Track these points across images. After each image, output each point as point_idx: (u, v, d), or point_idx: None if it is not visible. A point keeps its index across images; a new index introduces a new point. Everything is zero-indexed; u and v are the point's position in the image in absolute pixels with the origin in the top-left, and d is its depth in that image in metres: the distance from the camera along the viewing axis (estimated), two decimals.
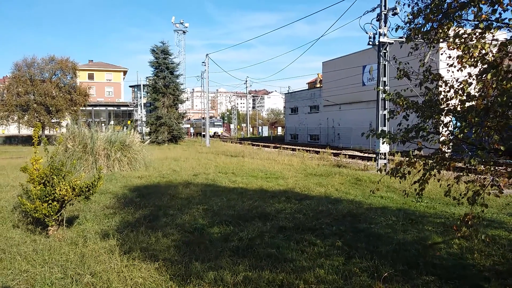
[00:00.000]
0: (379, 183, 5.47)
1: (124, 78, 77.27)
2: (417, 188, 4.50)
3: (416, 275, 5.00)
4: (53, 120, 41.49)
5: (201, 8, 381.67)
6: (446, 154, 4.31)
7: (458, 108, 4.18)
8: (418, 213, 8.51)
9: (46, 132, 41.54)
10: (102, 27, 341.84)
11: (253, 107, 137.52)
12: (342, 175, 14.45)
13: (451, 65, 4.39)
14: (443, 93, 4.45)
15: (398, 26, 4.89)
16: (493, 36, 3.93)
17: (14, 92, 39.74)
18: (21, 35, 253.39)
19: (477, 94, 4.02)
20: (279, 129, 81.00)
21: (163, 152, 26.07)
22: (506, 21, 3.86)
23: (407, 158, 4.36)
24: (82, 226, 7.46)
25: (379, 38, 16.03)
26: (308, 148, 28.64)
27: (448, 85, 4.36)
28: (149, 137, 36.61)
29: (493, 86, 3.69)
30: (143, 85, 54.84)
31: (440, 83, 4.57)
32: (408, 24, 4.68)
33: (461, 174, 4.29)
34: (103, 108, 64.48)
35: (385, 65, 16.27)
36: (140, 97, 57.26)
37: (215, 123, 73.29)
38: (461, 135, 4.06)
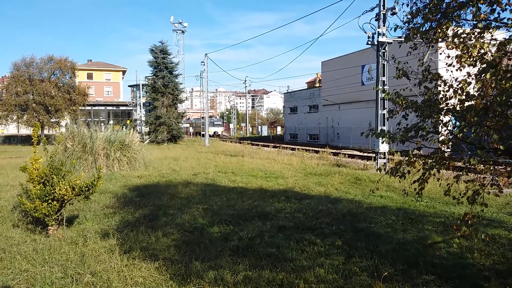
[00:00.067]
0: (378, 182, 5.48)
1: (123, 77, 77.25)
2: (417, 188, 4.51)
3: (416, 275, 5.01)
4: (52, 120, 41.46)
5: (200, 8, 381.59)
6: (446, 154, 4.32)
7: (457, 108, 4.19)
8: (418, 212, 8.53)
9: (45, 131, 41.49)
10: (101, 27, 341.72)
11: (253, 107, 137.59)
12: (342, 174, 14.46)
13: (450, 65, 4.40)
14: (442, 92, 4.45)
15: (397, 25, 4.90)
16: (492, 35, 3.93)
17: (13, 92, 39.69)
18: (20, 35, 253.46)
19: (476, 94, 4.03)
20: (279, 128, 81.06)
21: (162, 152, 26.07)
22: (505, 20, 3.87)
23: (407, 158, 4.37)
24: (82, 226, 7.46)
25: (378, 37, 16.04)
26: (307, 148, 28.65)
27: (447, 84, 4.37)
28: (148, 136, 36.62)
29: (492, 85, 3.70)
30: (142, 84, 54.85)
31: (439, 83, 4.57)
32: (407, 24, 4.69)
33: (461, 173, 4.30)
34: (102, 107, 64.41)
35: (384, 64, 16.28)
36: (139, 97, 57.27)
37: (215, 123, 73.18)
38: (461, 134, 4.08)
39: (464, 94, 4.09)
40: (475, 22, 3.98)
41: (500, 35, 4.29)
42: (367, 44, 16.54)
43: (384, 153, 16.47)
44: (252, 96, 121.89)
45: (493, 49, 3.93)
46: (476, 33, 3.99)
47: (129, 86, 71.97)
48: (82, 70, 63.72)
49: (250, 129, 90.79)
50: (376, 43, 16.22)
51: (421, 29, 4.45)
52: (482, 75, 3.75)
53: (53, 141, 11.55)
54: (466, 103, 4.04)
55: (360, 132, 5.04)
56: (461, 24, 4.26)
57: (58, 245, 6.20)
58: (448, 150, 4.45)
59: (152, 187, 11.86)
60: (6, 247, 6.12)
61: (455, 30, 4.10)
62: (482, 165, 4.02)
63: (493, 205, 8.85)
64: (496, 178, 3.98)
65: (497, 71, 3.59)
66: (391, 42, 15.97)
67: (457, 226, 4.17)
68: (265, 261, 5.47)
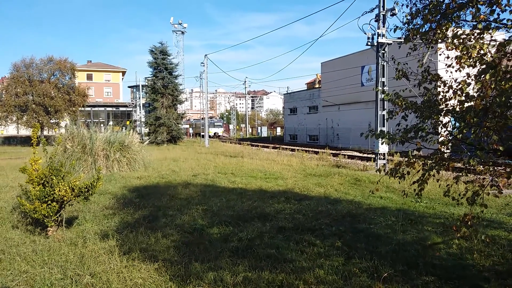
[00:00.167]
0: (378, 183, 5.48)
1: (122, 78, 77.22)
2: (416, 189, 4.51)
3: (416, 276, 5.01)
4: (52, 121, 41.49)
5: (200, 9, 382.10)
6: (445, 154, 4.31)
7: (457, 109, 4.19)
8: (418, 213, 8.53)
9: (45, 132, 41.50)
10: (101, 28, 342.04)
11: (252, 108, 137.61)
12: (342, 175, 14.46)
13: (449, 66, 4.39)
14: (441, 93, 4.45)
15: (397, 26, 4.89)
16: (492, 36, 3.94)
17: (12, 93, 39.70)
18: (20, 35, 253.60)
19: (475, 95, 4.02)
20: (278, 129, 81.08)
21: (162, 153, 26.06)
22: (504, 21, 3.87)
23: (406, 158, 4.36)
24: (82, 227, 7.46)
25: (377, 38, 16.05)
26: (307, 149, 28.65)
27: (447, 85, 4.37)
28: (148, 137, 36.57)
29: (492, 86, 3.70)
30: (142, 85, 54.83)
31: (438, 84, 4.57)
32: (406, 25, 4.69)
33: (460, 174, 4.30)
34: (102, 108, 64.41)
35: (383, 65, 16.29)
36: (139, 98, 57.26)
37: (215, 124, 73.11)
38: (460, 135, 4.07)
39: (464, 95, 4.09)
40: (474, 23, 3.99)
41: (500, 36, 4.29)
42: (367, 45, 16.56)
43: (384, 154, 16.48)
44: (252, 97, 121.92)
45: (493, 50, 3.93)
46: (475, 34, 3.99)
47: (128, 87, 72.00)
48: (82, 71, 63.71)
49: (250, 130, 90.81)
50: (375, 44, 16.24)
51: (420, 30, 4.44)
52: (482, 76, 3.75)
53: (53, 142, 11.54)
54: (466, 104, 4.04)
55: (360, 133, 5.03)
56: (460, 25, 4.26)
57: (58, 246, 6.20)
58: (448, 151, 4.45)
59: (151, 188, 11.86)
60: (6, 248, 6.11)
61: (455, 31, 4.10)
62: (481, 166, 4.02)
63: (492, 206, 8.84)
64: (496, 179, 3.98)
65: (496, 72, 3.59)
66: (391, 43, 15.98)
67: (457, 227, 4.17)
68: (265, 262, 5.47)
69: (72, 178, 7.12)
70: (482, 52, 3.89)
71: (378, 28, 15.92)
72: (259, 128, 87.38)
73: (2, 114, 39.31)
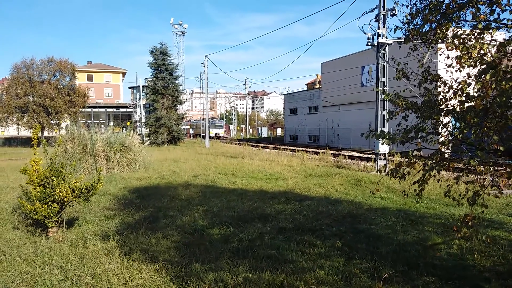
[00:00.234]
0: (378, 183, 5.49)
1: (123, 79, 77.22)
2: (417, 189, 4.50)
3: (417, 276, 5.00)
4: (52, 122, 41.53)
5: (200, 9, 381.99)
6: (446, 155, 4.31)
7: (457, 109, 4.19)
8: (418, 213, 8.52)
9: (46, 133, 41.53)
10: (101, 28, 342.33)
11: (253, 108, 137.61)
12: (342, 176, 14.45)
13: (449, 66, 4.39)
14: (442, 93, 4.45)
15: (397, 27, 4.89)
16: (492, 36, 3.93)
17: (13, 94, 39.76)
18: (20, 36, 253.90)
19: (476, 95, 4.02)
20: (279, 130, 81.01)
21: (162, 153, 26.07)
22: (505, 21, 3.87)
23: (407, 159, 4.36)
24: (82, 228, 7.46)
25: (377, 39, 16.05)
26: (307, 149, 28.64)
27: (447, 85, 4.37)
28: (148, 138, 36.60)
29: (492, 86, 3.69)
30: (142, 86, 54.84)
31: (439, 84, 4.57)
32: (406, 25, 4.69)
33: (461, 174, 4.29)
34: (102, 109, 64.43)
35: (384, 65, 16.28)
36: (139, 99, 57.24)
37: (216, 124, 72.81)
38: (461, 135, 4.07)
39: (464, 95, 4.09)
40: (474, 23, 3.98)
41: (500, 36, 4.29)
42: (367, 45, 16.55)
43: (384, 154, 16.46)
44: (252, 97, 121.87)
45: (493, 50, 3.93)
46: (476, 34, 3.99)
47: (129, 87, 71.98)
48: (82, 71, 63.76)
49: (250, 130, 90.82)
50: (376, 44, 16.23)
51: (420, 30, 4.44)
52: (482, 76, 3.75)
53: (53, 143, 11.56)
54: (466, 104, 4.04)
55: (360, 133, 5.03)
56: (460, 25, 4.26)
57: (58, 247, 6.20)
58: (448, 151, 4.45)
59: (152, 189, 11.86)
60: (6, 249, 6.11)
61: (455, 31, 4.10)
62: (482, 166, 4.01)
63: (493, 206, 8.84)
64: (496, 179, 3.97)
65: (497, 72, 3.59)
66: (391, 43, 15.98)
67: (457, 227, 4.16)
68: (265, 263, 5.47)
69: (73, 179, 7.13)
70: (482, 52, 3.89)
71: (378, 28, 15.92)
72: (259, 128, 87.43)
73: (3, 115, 39.34)
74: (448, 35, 4.25)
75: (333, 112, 41.67)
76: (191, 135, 71.09)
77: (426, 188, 4.62)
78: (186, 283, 4.80)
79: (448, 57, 4.44)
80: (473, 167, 3.95)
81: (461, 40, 4.03)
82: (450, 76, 4.29)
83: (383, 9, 15.76)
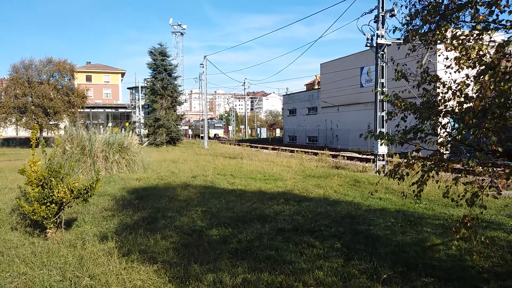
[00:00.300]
0: (377, 184, 5.48)
1: (122, 80, 77.10)
2: (416, 190, 4.50)
3: (415, 277, 5.00)
4: (51, 122, 41.48)
5: (199, 10, 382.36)
6: (444, 156, 4.31)
7: (456, 110, 4.19)
8: (417, 214, 8.52)
9: (44, 134, 41.46)
10: (100, 29, 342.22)
11: (251, 109, 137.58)
12: (341, 176, 14.45)
13: (448, 67, 4.40)
14: (441, 94, 4.45)
15: (396, 27, 4.89)
16: (491, 37, 3.94)
17: (11, 94, 39.70)
18: (19, 37, 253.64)
19: (474, 96, 4.02)
20: (278, 130, 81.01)
21: (161, 154, 26.05)
22: (503, 22, 3.86)
23: (405, 160, 4.36)
24: (81, 229, 7.44)
25: (376, 39, 16.07)
26: (306, 150, 28.65)
27: (446, 86, 4.37)
28: (147, 139, 36.55)
29: (491, 87, 3.70)
30: (141, 87, 54.81)
31: (437, 85, 4.57)
32: (405, 26, 4.69)
33: (460, 175, 4.29)
34: (101, 110, 64.35)
35: (383, 66, 16.30)
36: (138, 99, 57.25)
37: (216, 125, 72.48)
38: (459, 136, 4.07)
39: (463, 96, 4.09)
40: (473, 24, 3.99)
41: (499, 37, 4.30)
42: (366, 46, 16.57)
43: (383, 155, 16.48)
44: (251, 98, 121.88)
45: (492, 51, 3.93)
46: (474, 35, 3.99)
47: (128, 88, 71.99)
48: (81, 72, 63.68)
49: (249, 131, 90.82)
50: (375, 45, 16.25)
51: (419, 31, 4.44)
52: (481, 77, 3.75)
53: (52, 144, 11.54)
54: (465, 105, 4.04)
55: (359, 134, 5.03)
56: (459, 26, 4.26)
57: (57, 248, 6.18)
58: (447, 152, 4.45)
59: (151, 190, 11.84)
60: (4, 250, 6.10)
61: (454, 32, 4.10)
62: (480, 167, 4.01)
63: (492, 207, 8.84)
64: (495, 180, 3.98)
65: (495, 72, 3.59)
66: (390, 44, 15.99)
67: (456, 228, 4.16)
68: (264, 263, 5.46)
69: (71, 179, 7.11)
70: (481, 53, 3.89)
71: (377, 29, 15.94)
72: (258, 129, 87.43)
73: (1, 115, 39.28)
74: (447, 36, 4.25)
75: (332, 113, 41.69)
76: (190, 136, 70.99)
77: (425, 189, 4.62)
78: (184, 284, 4.79)
79: (447, 58, 4.45)
80: (471, 168, 3.95)
81: (460, 41, 4.03)
82: (449, 77, 4.29)
83: (382, 10, 15.78)
